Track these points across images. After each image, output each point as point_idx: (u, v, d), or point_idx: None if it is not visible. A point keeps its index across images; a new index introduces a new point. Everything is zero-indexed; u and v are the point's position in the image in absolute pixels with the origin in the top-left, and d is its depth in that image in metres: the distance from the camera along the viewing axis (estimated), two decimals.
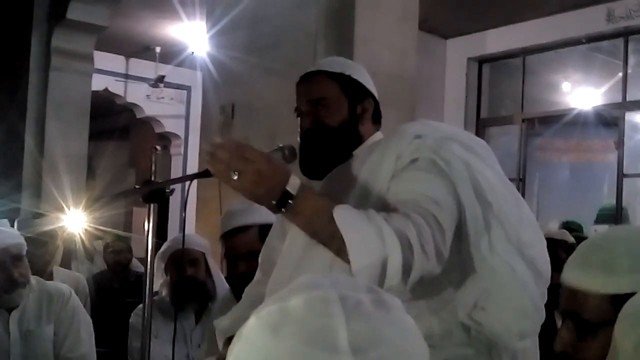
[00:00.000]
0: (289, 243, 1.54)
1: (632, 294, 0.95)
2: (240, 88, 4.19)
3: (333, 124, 1.53)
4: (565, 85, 6.34)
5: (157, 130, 8.79)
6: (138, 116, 8.63)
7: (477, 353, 1.45)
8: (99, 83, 7.31)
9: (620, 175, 5.65)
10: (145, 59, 7.91)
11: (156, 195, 1.47)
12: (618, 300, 0.99)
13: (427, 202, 1.31)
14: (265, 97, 3.96)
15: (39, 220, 3.30)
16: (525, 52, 6.22)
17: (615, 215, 5.62)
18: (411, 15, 3.91)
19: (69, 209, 4.32)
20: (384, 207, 1.34)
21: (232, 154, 1.21)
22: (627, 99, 5.69)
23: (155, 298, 2.42)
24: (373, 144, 1.54)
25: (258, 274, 1.76)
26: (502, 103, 6.78)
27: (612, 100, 5.82)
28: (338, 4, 3.73)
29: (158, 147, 1.61)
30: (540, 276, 1.43)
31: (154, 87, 8.10)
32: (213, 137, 4.37)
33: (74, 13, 5.20)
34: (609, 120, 5.96)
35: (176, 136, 8.79)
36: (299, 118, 1.58)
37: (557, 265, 1.29)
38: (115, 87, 8.17)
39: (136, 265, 4.52)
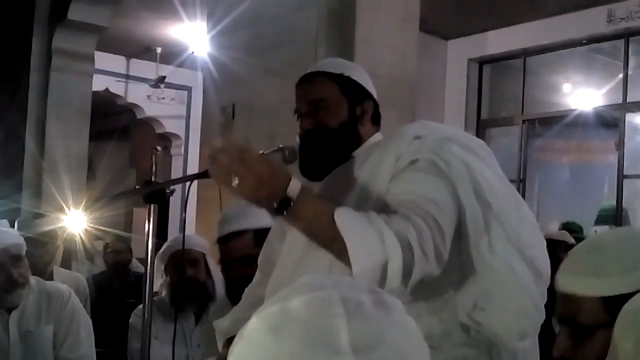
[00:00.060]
0: (288, 244, 1.54)
1: (624, 295, 0.96)
2: (240, 89, 4.19)
3: (333, 125, 1.53)
4: (566, 87, 6.34)
5: (158, 130, 8.80)
6: (139, 116, 8.64)
7: (477, 353, 1.45)
8: (99, 83, 7.31)
9: (621, 176, 5.65)
10: (145, 60, 7.92)
11: (156, 196, 1.47)
12: (611, 303, 1.00)
13: (426, 203, 1.31)
14: (266, 97, 3.96)
15: (39, 221, 3.30)
16: (525, 53, 6.23)
17: (615, 216, 5.62)
18: (412, 16, 3.91)
19: (69, 209, 4.32)
20: (384, 208, 1.34)
21: (232, 158, 1.21)
22: (628, 100, 5.69)
23: (155, 298, 2.42)
24: (372, 145, 1.54)
25: (257, 274, 1.76)
26: (502, 104, 6.78)
27: (612, 101, 5.83)
28: (339, 5, 3.73)
29: (158, 148, 1.61)
30: (540, 276, 1.44)
31: (154, 87, 8.10)
32: (213, 139, 4.37)
33: (74, 13, 5.20)
34: (609, 122, 5.96)
35: (177, 137, 8.80)
36: (298, 119, 1.58)
37: (557, 266, 1.30)
38: (116, 87, 8.17)
39: (136, 265, 4.52)
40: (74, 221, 4.05)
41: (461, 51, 6.58)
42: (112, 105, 8.42)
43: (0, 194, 4.81)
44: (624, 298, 0.97)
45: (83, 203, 4.51)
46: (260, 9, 4.07)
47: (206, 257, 2.56)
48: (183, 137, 8.74)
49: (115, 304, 3.76)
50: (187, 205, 1.83)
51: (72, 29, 5.28)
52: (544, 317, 1.45)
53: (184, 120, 8.71)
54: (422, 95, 4.88)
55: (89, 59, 5.48)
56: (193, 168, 7.95)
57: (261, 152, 1.52)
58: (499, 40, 6.28)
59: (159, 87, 8.06)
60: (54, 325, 2.42)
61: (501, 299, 1.41)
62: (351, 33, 3.66)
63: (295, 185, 1.22)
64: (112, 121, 8.98)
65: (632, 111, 5.75)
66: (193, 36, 6.59)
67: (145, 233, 1.51)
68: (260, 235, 1.84)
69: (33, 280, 2.46)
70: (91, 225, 4.05)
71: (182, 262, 2.48)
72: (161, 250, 2.51)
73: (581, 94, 6.17)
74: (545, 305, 1.45)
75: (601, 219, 5.74)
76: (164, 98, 8.46)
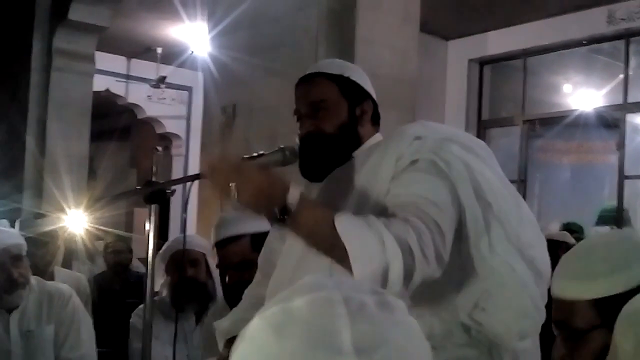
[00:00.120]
0: (288, 245, 1.55)
1: (613, 297, 0.98)
2: (241, 89, 4.19)
3: (333, 127, 1.54)
4: (567, 87, 6.34)
5: (158, 130, 8.80)
6: (139, 117, 8.64)
7: (478, 353, 1.46)
8: (100, 83, 7.31)
9: (621, 177, 5.65)
10: (146, 60, 7.92)
11: (157, 196, 1.48)
12: (601, 305, 1.02)
13: (426, 204, 1.32)
14: (267, 97, 3.96)
15: (40, 221, 3.30)
16: (526, 53, 6.23)
17: (616, 216, 5.62)
18: (412, 17, 3.91)
19: (70, 209, 4.32)
20: (384, 209, 1.35)
21: (231, 169, 1.23)
22: (628, 101, 5.69)
23: (155, 299, 2.42)
24: (372, 145, 1.54)
25: (258, 275, 1.76)
26: (503, 104, 6.78)
27: (613, 101, 5.82)
28: (339, 5, 3.73)
29: (159, 148, 1.61)
30: (540, 276, 1.44)
31: (155, 87, 8.10)
32: (212, 150, 4.37)
33: (75, 14, 5.20)
34: (610, 122, 5.96)
35: (177, 137, 8.80)
36: (298, 120, 1.58)
37: None
38: (117, 87, 8.17)
39: (137, 265, 4.52)
40: (75, 221, 4.05)
41: (462, 51, 6.58)
42: (113, 105, 8.42)
43: (1, 194, 4.81)
44: (614, 299, 1.00)
45: (84, 203, 4.52)
46: (261, 9, 4.07)
47: (207, 258, 2.56)
48: (184, 137, 8.74)
49: (115, 304, 3.77)
50: (188, 205, 1.83)
51: (72, 29, 5.28)
52: (545, 317, 1.46)
53: (184, 120, 8.71)
54: (423, 95, 4.88)
55: (90, 59, 5.48)
56: (194, 168, 7.96)
57: (262, 152, 1.53)
58: (500, 41, 6.28)
59: (159, 87, 8.06)
60: (54, 325, 2.42)
61: (501, 299, 1.42)
62: (351, 33, 3.66)
63: (294, 193, 1.23)
64: (113, 121, 8.98)
65: (633, 112, 5.75)
66: (193, 36, 6.60)
67: (146, 233, 1.51)
68: (258, 239, 1.85)
69: (34, 280, 2.46)
70: (92, 225, 4.06)
71: (182, 262, 2.48)
72: (162, 251, 2.51)
73: (582, 95, 6.16)
74: (546, 306, 1.45)
75: (602, 220, 5.74)
76: (164, 98, 8.46)
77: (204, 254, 2.55)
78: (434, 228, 1.27)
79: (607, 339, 0.95)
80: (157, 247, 1.59)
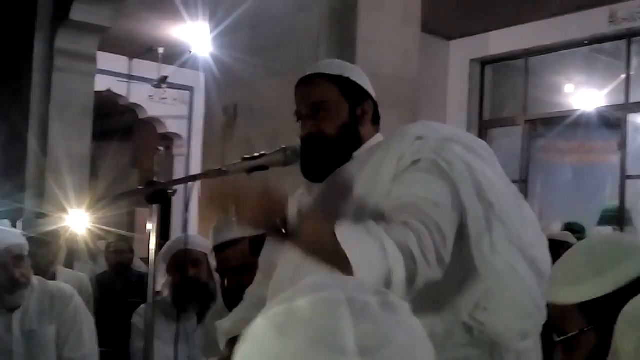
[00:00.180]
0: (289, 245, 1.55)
1: (598, 299, 0.99)
2: (242, 89, 4.19)
3: (334, 127, 1.54)
4: (568, 87, 6.34)
5: (160, 130, 8.80)
6: (141, 117, 8.64)
7: (480, 353, 1.46)
8: (102, 84, 7.32)
9: (623, 177, 5.65)
10: (148, 60, 7.92)
11: (159, 196, 1.48)
12: (588, 308, 1.04)
13: (427, 205, 1.32)
14: (268, 97, 3.96)
15: (42, 221, 3.31)
16: (528, 53, 6.22)
17: (618, 216, 5.62)
18: (414, 17, 3.91)
19: (72, 209, 4.33)
20: (385, 209, 1.35)
21: (228, 190, 1.27)
22: (630, 101, 5.68)
23: (157, 298, 2.42)
24: (373, 146, 1.54)
25: (258, 275, 1.76)
26: (504, 104, 6.77)
27: (614, 101, 5.82)
28: (340, 5, 3.73)
29: (161, 148, 1.61)
30: (541, 276, 1.44)
31: (156, 87, 8.10)
32: (215, 146, 4.38)
33: (77, 14, 5.21)
34: (611, 122, 5.96)
35: (179, 137, 8.80)
36: (298, 121, 1.58)
37: None
38: (118, 87, 8.18)
39: (138, 265, 4.53)
40: (77, 221, 4.06)
41: (463, 51, 6.58)
42: (115, 105, 8.42)
43: (3, 194, 4.82)
44: (601, 301, 1.02)
45: (85, 203, 4.52)
46: (262, 9, 4.07)
47: (208, 258, 2.56)
48: (185, 137, 8.74)
49: (117, 303, 3.77)
50: (190, 205, 1.83)
51: (74, 30, 5.29)
52: (546, 317, 1.46)
53: (186, 120, 8.71)
54: (424, 95, 4.87)
55: (92, 59, 5.49)
56: (195, 168, 7.96)
57: (263, 152, 1.54)
58: (501, 41, 6.28)
59: (161, 87, 8.06)
60: (56, 325, 2.42)
61: (503, 298, 1.42)
62: (353, 33, 3.66)
63: (292, 207, 1.25)
64: (115, 121, 8.99)
65: (635, 111, 5.74)
66: (195, 36, 6.60)
67: (148, 233, 1.52)
68: (256, 243, 1.85)
69: (35, 280, 2.47)
70: (94, 225, 4.06)
71: (184, 262, 2.48)
72: (163, 250, 2.51)
73: (583, 95, 6.16)
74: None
75: (604, 220, 5.73)
76: (166, 98, 8.47)
77: (205, 254, 2.55)
78: (434, 229, 1.27)
79: (597, 341, 0.96)
80: (159, 247, 1.59)
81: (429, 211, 1.30)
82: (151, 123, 8.76)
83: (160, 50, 7.45)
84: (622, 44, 5.72)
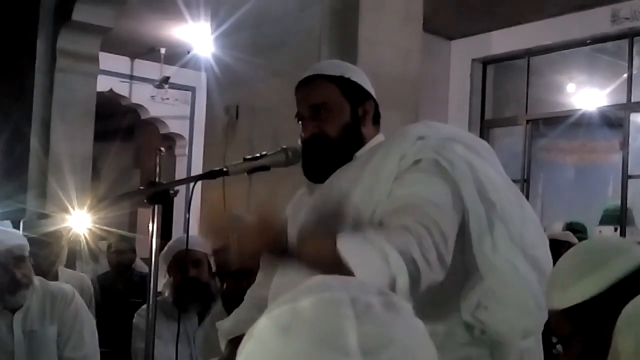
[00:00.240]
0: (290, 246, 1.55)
1: (583, 303, 1.00)
2: (244, 89, 4.19)
3: (336, 128, 1.54)
4: (570, 87, 6.33)
5: (162, 131, 8.81)
6: (143, 117, 8.65)
7: (481, 352, 1.46)
8: (104, 84, 7.33)
9: (625, 176, 5.64)
10: (149, 60, 7.93)
11: (160, 196, 1.48)
12: (572, 313, 1.06)
13: (428, 206, 1.32)
14: (269, 98, 3.96)
15: (44, 221, 3.31)
16: (529, 53, 6.21)
17: (619, 216, 5.61)
18: (415, 17, 3.90)
19: (74, 210, 4.34)
20: (386, 211, 1.35)
21: (225, 226, 1.29)
22: (632, 100, 5.68)
23: (158, 299, 2.42)
24: (375, 146, 1.54)
25: (259, 276, 1.76)
26: (506, 104, 6.77)
27: (616, 101, 5.81)
28: (342, 6, 3.73)
29: (162, 149, 1.62)
30: (543, 275, 1.44)
31: (158, 88, 8.11)
32: (216, 146, 4.38)
33: (79, 14, 5.21)
34: (613, 121, 5.95)
35: (181, 137, 8.81)
36: (299, 122, 1.58)
37: None
38: (120, 88, 8.19)
39: (140, 265, 4.53)
40: (79, 221, 4.07)
41: (465, 51, 6.57)
42: (117, 105, 8.43)
43: (6, 194, 4.83)
44: (585, 306, 1.04)
45: (87, 203, 4.53)
46: (264, 10, 4.08)
47: (209, 258, 2.57)
48: (187, 137, 8.75)
49: (119, 303, 3.77)
50: (191, 205, 1.84)
51: (76, 30, 5.30)
52: (547, 316, 1.46)
53: (188, 120, 8.72)
54: (426, 95, 4.87)
55: (94, 59, 5.50)
56: (197, 168, 7.96)
57: (264, 152, 1.54)
58: (503, 41, 6.27)
59: (163, 87, 8.07)
60: (57, 325, 2.43)
61: (504, 297, 1.42)
62: (354, 33, 3.66)
63: (292, 229, 1.25)
64: (117, 122, 8.99)
65: (637, 111, 5.73)
66: (197, 37, 6.60)
67: (149, 233, 1.52)
68: None
69: (37, 280, 2.47)
70: (95, 225, 4.07)
71: (185, 263, 2.49)
72: (164, 251, 2.51)
73: (585, 94, 6.15)
74: None
75: (605, 219, 5.73)
76: (168, 98, 8.48)
77: (206, 254, 2.56)
78: (435, 230, 1.27)
79: (584, 346, 0.98)
80: (160, 247, 1.60)
81: (430, 212, 1.30)
82: (153, 123, 8.77)
83: (162, 50, 7.46)
84: (624, 43, 5.71)
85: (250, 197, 3.92)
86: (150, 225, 1.51)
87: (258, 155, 1.54)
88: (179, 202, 7.29)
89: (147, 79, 8.15)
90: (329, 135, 1.53)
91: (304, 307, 0.67)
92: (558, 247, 3.34)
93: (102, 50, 5.66)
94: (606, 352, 0.88)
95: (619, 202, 5.67)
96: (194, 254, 2.52)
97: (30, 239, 2.60)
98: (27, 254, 2.43)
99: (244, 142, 4.11)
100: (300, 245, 1.25)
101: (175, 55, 7.38)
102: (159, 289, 2.47)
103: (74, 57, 5.34)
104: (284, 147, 1.53)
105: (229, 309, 1.97)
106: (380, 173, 1.44)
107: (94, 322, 2.58)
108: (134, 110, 8.63)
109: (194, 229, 4.53)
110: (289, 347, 0.65)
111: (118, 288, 4.18)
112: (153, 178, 1.51)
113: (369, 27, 3.69)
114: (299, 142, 1.57)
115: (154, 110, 8.53)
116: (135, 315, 2.63)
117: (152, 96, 8.38)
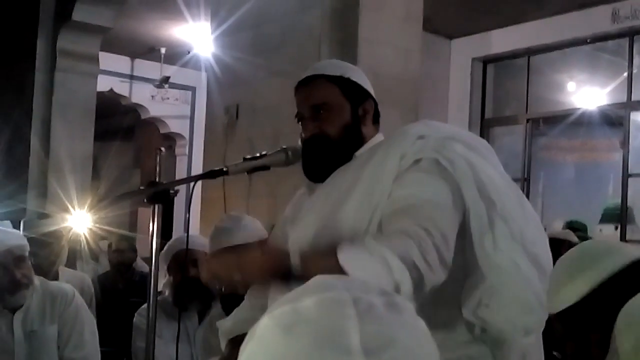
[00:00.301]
0: (291, 245, 1.55)
1: (570, 308, 1.01)
2: (244, 89, 4.20)
3: (337, 128, 1.54)
4: (570, 85, 6.33)
5: (162, 130, 8.81)
6: (143, 117, 8.65)
7: (483, 351, 1.46)
8: (104, 84, 7.33)
9: (625, 175, 5.64)
10: (150, 60, 7.93)
11: (161, 196, 1.48)
12: (562, 317, 1.08)
13: (428, 207, 1.32)
14: (270, 97, 3.96)
15: (44, 221, 3.31)
16: (530, 52, 6.21)
17: (620, 214, 5.61)
18: (415, 16, 3.91)
19: (74, 209, 4.34)
20: (385, 213, 1.36)
21: (232, 263, 1.31)
22: (632, 99, 5.68)
23: (158, 298, 2.42)
24: (375, 145, 1.54)
25: None
26: (506, 103, 6.77)
27: (617, 100, 5.81)
28: (342, 5, 3.73)
29: (162, 149, 1.62)
30: (543, 272, 1.44)
31: (158, 87, 8.12)
32: (217, 146, 4.38)
33: (79, 14, 5.22)
34: (614, 120, 5.95)
35: (181, 137, 8.81)
36: (299, 122, 1.58)
37: None
38: (121, 87, 8.19)
39: (141, 265, 4.53)
40: (79, 221, 4.07)
41: (465, 50, 6.57)
42: (117, 105, 8.44)
43: (6, 194, 4.83)
44: (572, 310, 1.05)
45: (88, 203, 4.53)
46: (264, 9, 4.08)
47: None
48: (187, 137, 8.75)
49: (119, 303, 3.78)
50: (192, 205, 1.84)
51: (76, 30, 5.30)
52: (548, 313, 1.46)
53: (188, 120, 8.72)
54: (426, 94, 4.88)
55: (94, 59, 5.50)
56: (197, 168, 7.96)
57: (264, 152, 1.54)
58: (503, 39, 6.27)
59: (163, 87, 8.08)
60: (58, 325, 2.43)
61: (505, 295, 1.42)
62: (354, 33, 3.66)
63: (294, 257, 1.27)
64: (117, 121, 9.00)
65: (637, 110, 5.73)
66: (197, 36, 6.60)
67: (150, 233, 1.52)
68: None
69: (37, 280, 2.47)
70: (96, 224, 4.08)
71: (185, 262, 2.49)
72: (164, 250, 2.51)
73: (585, 93, 6.15)
74: None
75: (606, 218, 5.73)
76: (168, 98, 8.48)
77: (206, 254, 2.55)
78: (435, 231, 1.27)
79: (575, 349, 0.99)
80: (161, 247, 1.60)
81: (430, 213, 1.31)
82: (153, 123, 8.78)
83: (162, 50, 7.46)
84: (625, 42, 5.71)
85: (250, 197, 3.92)
86: (151, 224, 1.51)
87: (258, 155, 1.54)
88: (179, 202, 7.30)
89: (147, 78, 8.15)
90: (329, 135, 1.53)
91: (306, 307, 0.67)
92: (558, 246, 3.34)
93: (102, 50, 5.66)
94: (597, 357, 0.88)
95: (619, 201, 5.67)
96: (193, 254, 2.51)
97: (30, 239, 2.60)
98: (27, 254, 2.43)
99: (244, 141, 4.11)
100: (304, 265, 1.25)
101: (176, 55, 7.38)
102: (159, 288, 2.47)
103: (74, 57, 5.34)
104: (284, 146, 1.53)
105: (227, 310, 1.97)
106: (380, 173, 1.44)
107: (95, 321, 2.58)
108: (134, 110, 8.63)
109: (194, 229, 4.54)
110: (290, 346, 0.65)
111: (119, 287, 4.19)
112: (153, 178, 1.51)
113: (369, 27, 3.70)
114: (299, 142, 1.57)
115: (154, 110, 8.53)
116: (136, 314, 2.63)
117: (153, 96, 8.39)
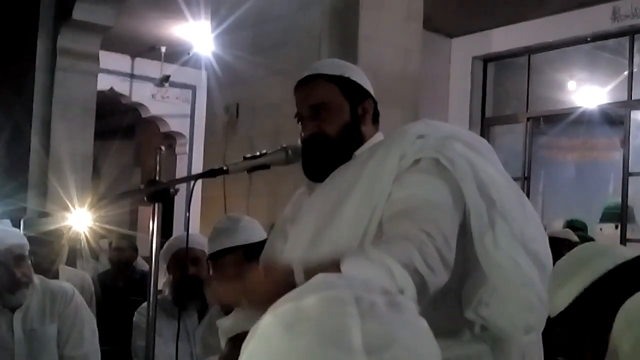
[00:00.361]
0: (290, 245, 1.55)
1: (565, 311, 1.01)
2: (244, 87, 4.20)
3: (336, 128, 1.54)
4: (571, 84, 6.33)
5: (163, 129, 8.82)
6: (143, 115, 8.66)
7: (483, 349, 1.46)
8: (104, 83, 7.33)
9: (626, 174, 5.64)
10: (150, 59, 7.93)
11: (161, 195, 1.48)
12: (560, 320, 1.08)
13: (428, 208, 1.32)
14: (270, 96, 3.96)
15: (44, 220, 3.32)
16: (530, 50, 6.21)
17: (620, 213, 5.61)
18: (415, 15, 3.90)
19: (75, 208, 4.35)
20: (385, 215, 1.36)
21: (238, 289, 1.30)
22: (633, 98, 5.68)
23: (158, 297, 2.42)
24: (374, 144, 1.54)
25: None
26: (507, 102, 6.77)
27: (617, 98, 5.81)
28: (342, 4, 3.73)
29: (163, 147, 1.62)
30: (544, 270, 1.44)
31: (159, 86, 8.12)
32: (217, 145, 4.38)
33: (79, 13, 5.22)
34: (614, 119, 5.95)
35: (181, 135, 8.82)
36: (299, 122, 1.58)
37: None
38: (121, 86, 8.19)
39: (141, 263, 4.54)
40: (79, 220, 4.08)
41: (465, 49, 6.57)
42: (117, 104, 8.44)
43: (6, 193, 4.84)
44: (566, 313, 1.06)
45: (88, 202, 4.54)
46: (264, 8, 4.08)
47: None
48: (187, 136, 8.76)
49: (120, 301, 3.78)
50: (192, 204, 1.84)
51: (76, 29, 5.30)
52: (549, 312, 1.46)
53: (188, 119, 8.73)
54: (426, 93, 4.88)
55: (94, 58, 5.50)
56: (197, 167, 7.97)
57: (264, 151, 1.54)
58: (504, 38, 6.27)
59: (163, 86, 8.08)
60: (58, 323, 2.43)
61: (506, 293, 1.42)
62: (354, 31, 3.66)
63: (299, 273, 1.25)
64: (117, 120, 9.00)
65: (637, 108, 5.73)
66: (197, 35, 6.60)
67: (150, 232, 1.52)
68: (252, 250, 1.85)
69: (37, 279, 2.47)
70: (96, 223, 4.08)
71: (184, 261, 2.49)
72: (163, 249, 2.51)
73: (586, 92, 6.15)
74: None
75: (606, 217, 5.74)
76: (168, 97, 8.48)
77: (205, 252, 2.55)
78: (435, 233, 1.27)
79: (571, 351, 0.99)
80: (161, 246, 1.60)
81: (430, 214, 1.31)
82: (154, 122, 8.78)
83: (163, 49, 7.46)
84: (625, 40, 5.71)
85: (250, 196, 3.92)
86: (151, 223, 1.51)
87: (258, 153, 1.54)
88: (179, 201, 7.30)
89: (147, 77, 8.15)
90: (329, 134, 1.53)
91: (308, 305, 0.67)
92: (558, 245, 3.35)
93: (103, 48, 5.66)
94: (593, 359, 0.89)
95: (619, 200, 5.67)
96: (193, 252, 2.52)
97: (30, 238, 2.60)
98: (27, 253, 2.43)
99: (244, 140, 4.12)
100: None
101: (176, 54, 7.38)
102: (159, 287, 2.47)
103: (75, 55, 5.34)
104: (284, 145, 1.53)
105: (227, 311, 1.97)
106: (380, 172, 1.44)
107: (94, 320, 2.58)
108: (135, 108, 8.64)
109: (194, 227, 4.54)
110: (292, 344, 0.65)
111: (119, 286, 4.19)
112: (153, 176, 1.51)
113: (369, 26, 3.70)
114: (299, 141, 1.57)
115: (154, 108, 8.53)
116: (136, 313, 2.64)
117: (153, 95, 8.39)
